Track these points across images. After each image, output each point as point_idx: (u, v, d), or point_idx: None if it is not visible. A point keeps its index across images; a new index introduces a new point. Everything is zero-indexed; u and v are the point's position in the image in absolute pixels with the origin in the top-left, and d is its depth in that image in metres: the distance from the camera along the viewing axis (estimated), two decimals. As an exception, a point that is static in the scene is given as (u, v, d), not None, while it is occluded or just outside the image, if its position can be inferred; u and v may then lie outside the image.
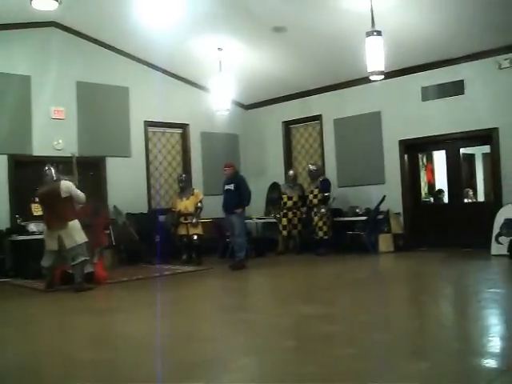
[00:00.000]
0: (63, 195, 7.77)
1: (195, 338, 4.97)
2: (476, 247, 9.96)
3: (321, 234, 11.17)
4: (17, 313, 6.66)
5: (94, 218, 8.78)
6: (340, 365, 3.90)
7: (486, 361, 3.81)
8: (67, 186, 7.87)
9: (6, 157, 10.12)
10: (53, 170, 8.06)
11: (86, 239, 7.90)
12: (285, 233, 11.87)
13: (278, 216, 12.04)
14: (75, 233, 7.76)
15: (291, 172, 12.28)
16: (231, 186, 9.83)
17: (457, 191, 11.26)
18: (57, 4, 7.06)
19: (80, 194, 7.95)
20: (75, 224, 7.81)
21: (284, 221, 11.86)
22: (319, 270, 9.62)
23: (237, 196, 9.76)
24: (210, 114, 11.94)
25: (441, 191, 11.97)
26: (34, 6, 7.14)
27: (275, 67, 11.53)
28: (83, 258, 7.78)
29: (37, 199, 8.03)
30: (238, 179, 9.98)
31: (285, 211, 11.88)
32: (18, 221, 9.80)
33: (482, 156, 13.35)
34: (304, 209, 11.72)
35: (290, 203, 11.87)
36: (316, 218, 11.21)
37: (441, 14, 8.88)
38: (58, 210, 7.72)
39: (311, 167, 11.74)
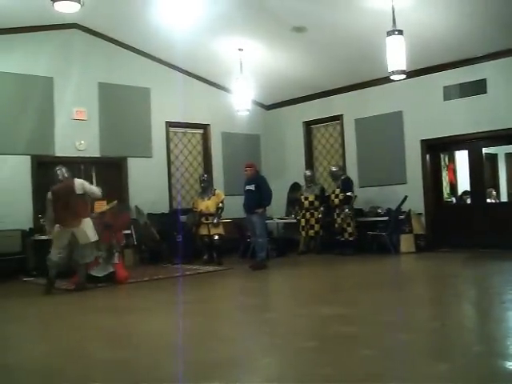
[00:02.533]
0: (77, 192, 7.85)
1: (215, 337, 4.98)
2: (499, 248, 9.87)
3: (346, 235, 11.11)
4: (38, 311, 6.73)
5: (115, 219, 8.82)
6: (360, 366, 3.88)
7: (509, 363, 3.76)
8: (81, 182, 8.00)
9: (29, 157, 10.24)
10: (64, 170, 8.12)
11: (97, 238, 7.98)
12: (303, 233, 11.86)
13: (298, 218, 12.05)
14: (89, 230, 7.84)
15: (308, 172, 12.26)
16: (252, 186, 9.81)
17: (479, 191, 11.15)
18: (79, 6, 7.09)
19: (94, 188, 8.11)
20: (88, 221, 7.90)
21: (302, 221, 11.85)
22: (340, 270, 9.59)
23: (257, 196, 9.73)
24: (230, 114, 11.96)
25: (467, 193, 11.84)
26: (57, 8, 7.17)
27: (296, 67, 11.52)
28: (89, 260, 7.90)
29: (49, 196, 8.05)
30: (258, 179, 9.96)
31: (303, 211, 11.88)
32: (41, 221, 9.87)
33: (505, 156, 13.22)
34: (322, 209, 11.68)
35: (306, 203, 11.86)
36: (339, 220, 11.16)
37: (463, 12, 8.80)
38: (72, 206, 7.76)
39: (332, 168, 11.70)
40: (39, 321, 6.19)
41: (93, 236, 7.88)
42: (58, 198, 7.97)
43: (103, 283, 8.23)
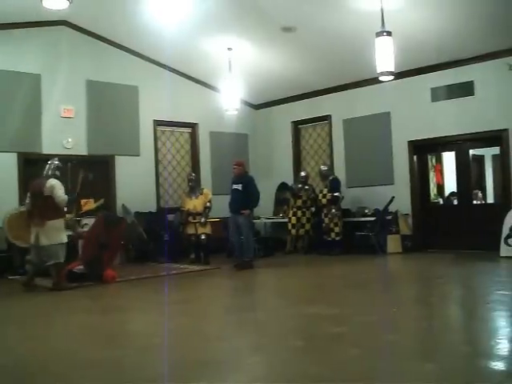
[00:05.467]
0: (45, 193, 7.69)
1: (202, 337, 4.97)
2: (485, 249, 9.93)
3: (333, 235, 11.15)
4: (24, 311, 6.67)
5: (110, 234, 8.53)
6: (347, 365, 3.89)
7: (494, 363, 3.79)
8: (51, 185, 7.74)
9: (15, 155, 10.16)
10: (51, 165, 7.99)
11: (65, 240, 7.77)
12: (293, 232, 11.88)
13: (289, 216, 12.02)
14: (52, 232, 7.65)
15: (303, 173, 12.27)
16: (239, 186, 9.72)
17: (466, 193, 11.23)
18: (68, 3, 7.07)
19: (60, 197, 7.71)
20: (55, 224, 7.70)
21: (293, 219, 11.87)
22: (327, 270, 9.60)
23: (244, 197, 9.64)
24: (219, 113, 11.95)
25: (453, 194, 11.91)
26: (45, 4, 7.14)
27: (285, 67, 11.53)
28: (55, 261, 7.66)
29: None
30: (246, 179, 9.87)
31: (294, 210, 11.89)
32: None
33: (492, 157, 13.30)
34: (313, 209, 11.73)
35: (299, 202, 11.88)
36: (327, 220, 11.20)
37: (451, 14, 8.85)
38: (38, 206, 7.70)
39: (322, 168, 11.74)
40: (24, 320, 6.13)
41: (57, 239, 7.68)
42: (30, 194, 7.98)
43: (89, 282, 8.18)
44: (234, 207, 9.73)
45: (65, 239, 7.82)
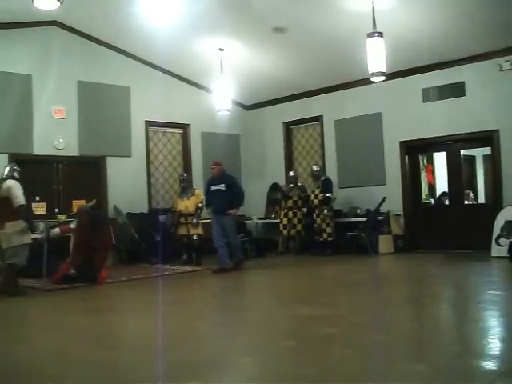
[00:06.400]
0: (2, 195, 7.49)
1: (194, 338, 4.97)
2: (476, 249, 9.97)
3: (325, 236, 11.15)
4: (16, 312, 6.65)
5: (99, 238, 8.46)
6: (339, 366, 3.90)
7: (485, 362, 3.80)
8: (8, 185, 7.54)
9: (6, 156, 10.09)
10: (6, 169, 7.82)
11: (25, 242, 7.56)
12: (285, 232, 11.87)
13: (280, 217, 12.03)
14: (12, 234, 7.44)
15: (291, 173, 12.29)
16: (222, 186, 9.47)
17: (457, 193, 11.26)
18: (58, 3, 7.05)
19: (18, 197, 7.49)
20: (15, 225, 7.47)
21: (284, 220, 11.87)
22: (319, 270, 9.61)
23: (229, 196, 9.41)
24: (211, 114, 11.94)
25: (445, 194, 11.95)
26: (36, 5, 7.13)
27: (276, 68, 11.53)
28: (13, 262, 7.46)
29: None
30: (228, 179, 9.63)
31: (285, 211, 11.89)
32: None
33: (483, 158, 13.35)
34: (305, 209, 11.73)
35: (290, 202, 11.88)
36: (319, 220, 11.20)
37: (442, 15, 8.88)
38: None
39: (314, 168, 11.74)
40: (19, 321, 6.11)
41: (17, 241, 7.47)
42: None
43: (80, 283, 8.14)
44: (219, 208, 9.44)
45: (25, 240, 7.58)
